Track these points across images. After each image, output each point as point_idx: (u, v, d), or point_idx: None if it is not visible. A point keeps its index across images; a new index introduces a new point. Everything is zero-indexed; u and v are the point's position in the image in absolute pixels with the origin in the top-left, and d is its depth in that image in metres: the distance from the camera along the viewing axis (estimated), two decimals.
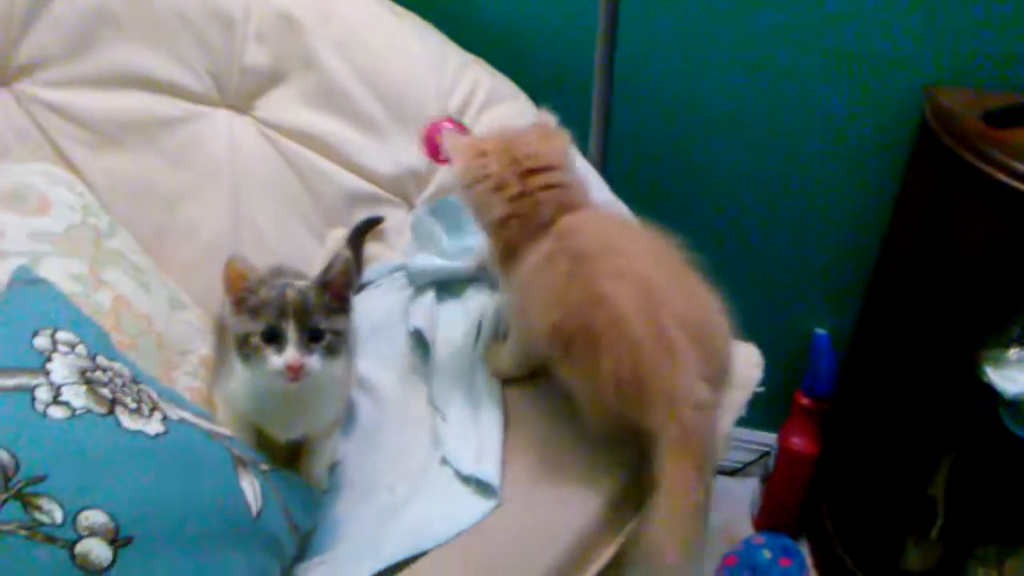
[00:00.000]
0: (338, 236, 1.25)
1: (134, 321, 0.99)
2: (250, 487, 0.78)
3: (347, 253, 0.87)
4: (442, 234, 1.17)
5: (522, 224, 0.90)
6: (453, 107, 1.27)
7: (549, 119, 0.97)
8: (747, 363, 1.07)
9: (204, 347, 1.08)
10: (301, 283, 0.86)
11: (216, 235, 1.23)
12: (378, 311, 1.17)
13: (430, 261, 1.15)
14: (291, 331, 0.81)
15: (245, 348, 0.82)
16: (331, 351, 0.84)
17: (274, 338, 0.81)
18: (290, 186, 1.26)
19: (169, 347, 1.02)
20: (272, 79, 1.25)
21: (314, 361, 0.82)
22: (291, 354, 0.81)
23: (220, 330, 0.98)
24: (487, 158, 0.91)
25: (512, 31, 1.40)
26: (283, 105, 1.25)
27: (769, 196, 1.48)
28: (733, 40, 1.35)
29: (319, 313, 0.83)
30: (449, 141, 0.95)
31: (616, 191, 1.18)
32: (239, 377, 0.88)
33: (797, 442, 1.56)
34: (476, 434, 0.96)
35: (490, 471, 0.89)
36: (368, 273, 1.23)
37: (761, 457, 1.72)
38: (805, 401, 1.56)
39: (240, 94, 1.25)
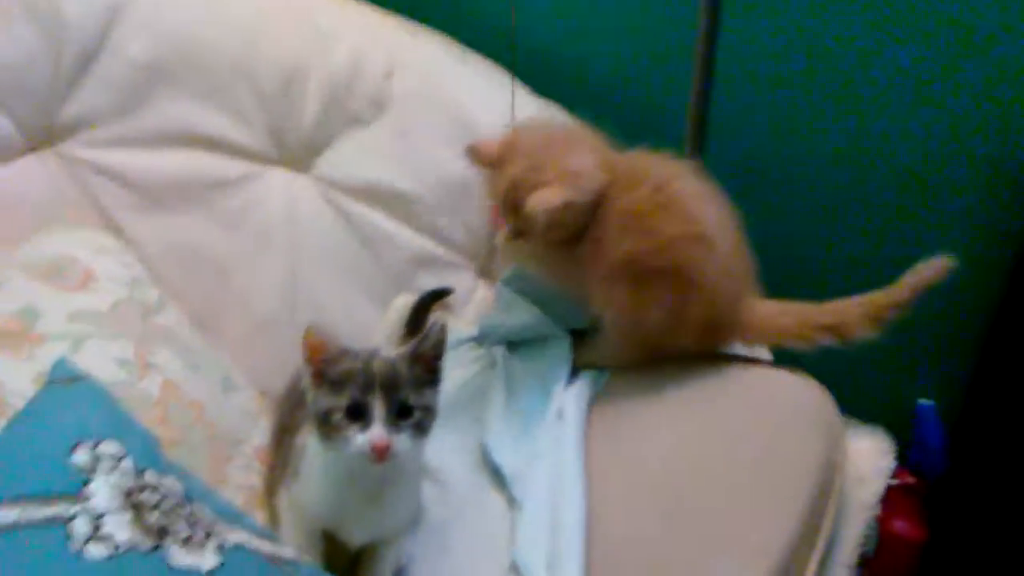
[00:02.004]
0: (400, 305, 1.15)
1: (184, 410, 0.89)
2: None
3: (443, 320, 0.80)
4: (523, 303, 1.08)
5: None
6: None
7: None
8: (874, 452, 0.93)
9: (258, 435, 0.98)
10: (390, 353, 0.78)
11: (271, 307, 1.13)
12: (449, 388, 1.06)
13: (505, 319, 1.07)
14: (378, 406, 0.73)
15: (326, 426, 0.74)
16: (420, 429, 0.76)
17: (359, 414, 0.73)
18: (351, 250, 1.16)
19: (221, 437, 0.91)
20: (334, 134, 1.16)
21: (402, 440, 0.74)
22: (377, 432, 0.72)
23: (282, 427, 0.88)
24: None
25: (593, 73, 1.29)
26: (346, 160, 1.17)
27: (867, 248, 1.34)
28: (834, 82, 1.23)
29: (409, 387, 0.75)
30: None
31: None
32: (315, 465, 0.79)
33: (901, 526, 1.40)
34: (552, 533, 0.84)
35: None
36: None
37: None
38: (910, 479, 1.40)
39: (301, 150, 1.16)
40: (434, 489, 0.97)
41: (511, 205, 0.90)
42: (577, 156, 0.91)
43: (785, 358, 1.03)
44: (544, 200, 0.86)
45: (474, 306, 1.18)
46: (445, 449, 0.98)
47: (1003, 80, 1.17)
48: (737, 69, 1.17)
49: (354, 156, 1.15)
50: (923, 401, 1.43)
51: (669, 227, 0.90)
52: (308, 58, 1.13)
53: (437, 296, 1.14)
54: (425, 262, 1.16)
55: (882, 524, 1.41)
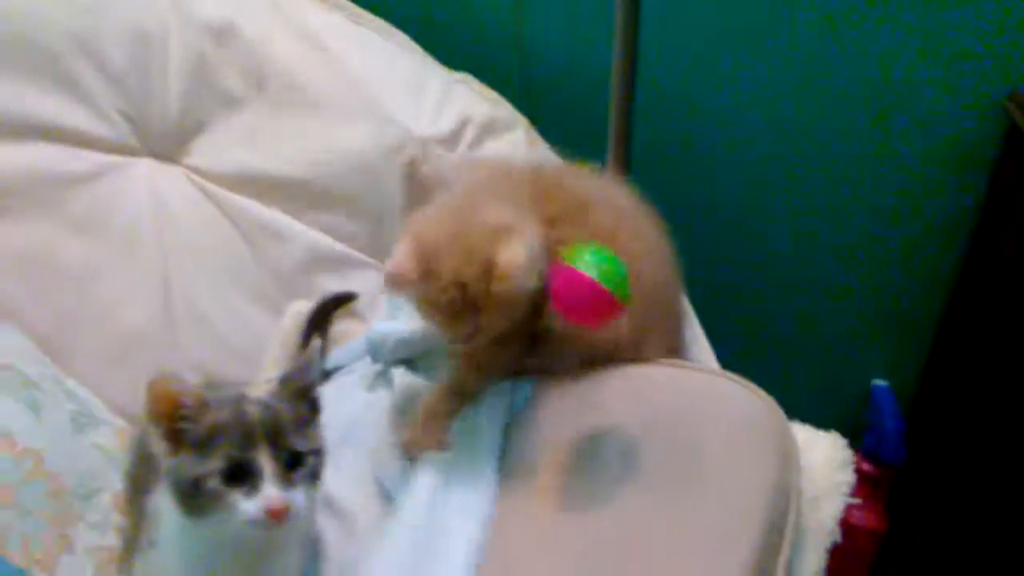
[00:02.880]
0: (298, 312, 1.00)
1: (16, 461, 0.73)
2: None
3: (314, 346, 0.66)
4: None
5: None
6: (440, 139, 1.03)
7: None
8: (829, 463, 0.82)
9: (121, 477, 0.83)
10: (262, 393, 0.64)
11: (141, 319, 0.97)
12: (349, 408, 0.92)
13: (396, 328, 0.90)
14: (265, 462, 0.59)
15: (196, 498, 0.59)
16: (314, 478, 0.63)
17: (241, 476, 0.59)
18: (234, 250, 1.01)
19: (67, 492, 0.77)
20: (206, 116, 1.00)
21: (298, 497, 0.60)
22: (272, 493, 0.59)
23: (133, 481, 0.73)
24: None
25: (508, 41, 1.15)
26: (223, 148, 1.01)
27: (821, 226, 1.24)
28: (778, 47, 1.11)
29: (294, 430, 0.62)
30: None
31: None
32: (175, 538, 0.64)
33: (859, 515, 1.32)
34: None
35: None
36: (335, 356, 0.98)
37: None
38: (867, 467, 1.32)
39: (166, 138, 1.00)
40: (337, 523, 0.83)
41: (462, 308, 0.72)
42: (494, 210, 0.74)
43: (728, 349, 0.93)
44: (511, 263, 0.68)
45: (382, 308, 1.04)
46: (350, 478, 0.85)
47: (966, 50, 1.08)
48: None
49: (232, 141, 1.00)
50: (878, 381, 1.34)
51: None
52: (164, 24, 0.97)
53: (338, 302, 1.00)
54: (323, 261, 1.01)
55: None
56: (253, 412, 0.61)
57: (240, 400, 0.62)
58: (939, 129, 1.13)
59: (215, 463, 0.59)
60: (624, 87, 0.97)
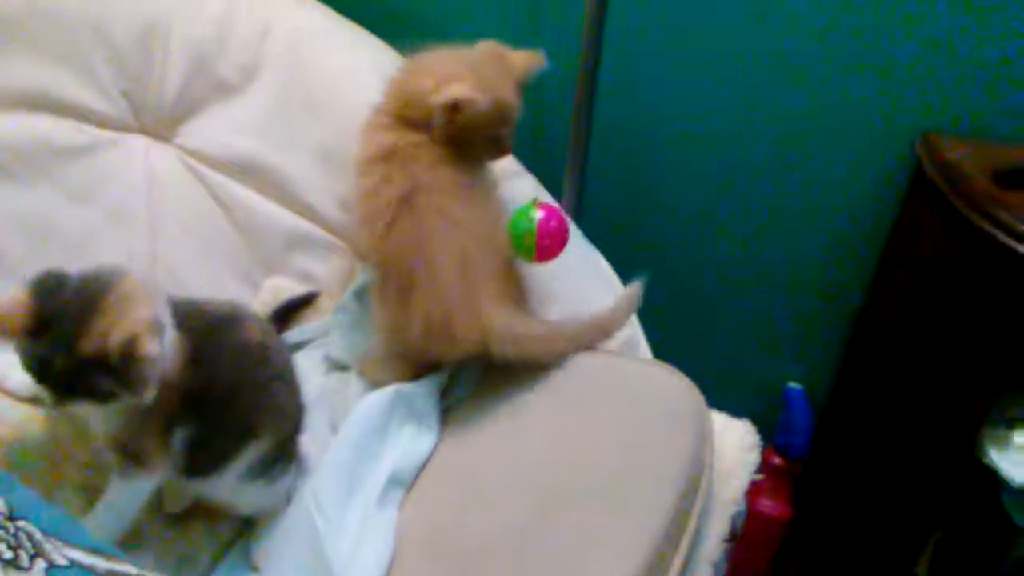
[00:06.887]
0: (275, 287, 1.09)
1: (18, 404, 0.81)
2: None
3: None
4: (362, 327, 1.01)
5: None
6: None
7: None
8: (740, 445, 0.94)
9: None
10: None
11: None
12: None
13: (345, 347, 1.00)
14: None
15: None
16: None
17: None
18: (217, 225, 1.09)
19: (64, 432, 0.84)
20: (199, 101, 1.08)
21: None
22: None
23: None
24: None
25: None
26: (211, 131, 1.09)
27: (744, 241, 1.37)
28: (710, 88, 1.23)
29: None
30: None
31: (588, 234, 1.08)
32: None
33: (768, 504, 1.45)
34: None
35: None
36: (298, 333, 1.06)
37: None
38: (777, 460, 1.46)
39: (160, 118, 1.08)
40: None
41: None
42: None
43: (656, 349, 1.04)
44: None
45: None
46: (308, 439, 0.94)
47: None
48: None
49: (221, 126, 1.08)
50: (792, 384, 1.48)
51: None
52: (171, 13, 1.04)
53: (302, 302, 1.07)
54: (298, 242, 1.10)
55: (751, 502, 1.47)
56: None
57: None
58: (852, 164, 1.25)
59: None
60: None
